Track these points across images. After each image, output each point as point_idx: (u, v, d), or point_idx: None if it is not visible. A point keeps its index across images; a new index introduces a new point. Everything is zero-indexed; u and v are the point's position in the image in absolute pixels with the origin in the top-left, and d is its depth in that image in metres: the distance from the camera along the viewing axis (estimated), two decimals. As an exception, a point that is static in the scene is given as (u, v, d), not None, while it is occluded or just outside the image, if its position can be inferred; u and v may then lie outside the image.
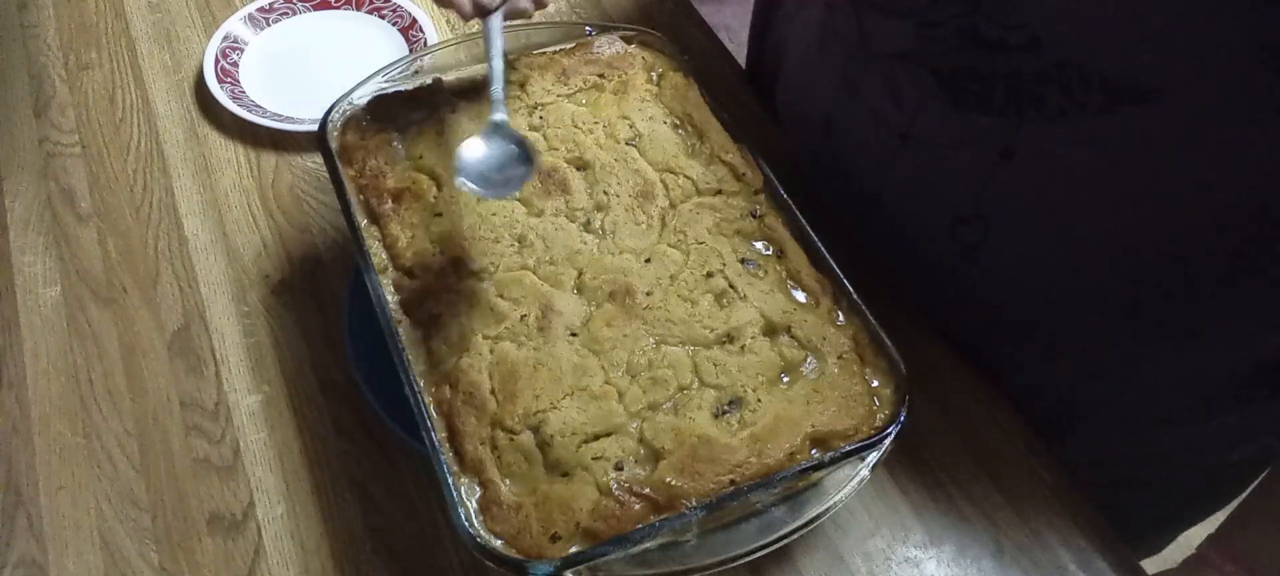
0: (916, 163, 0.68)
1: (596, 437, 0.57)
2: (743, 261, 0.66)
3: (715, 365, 0.60)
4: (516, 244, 0.66)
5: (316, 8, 1.02)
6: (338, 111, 0.73)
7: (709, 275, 0.65)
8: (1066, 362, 0.73)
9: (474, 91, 0.76)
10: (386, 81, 0.76)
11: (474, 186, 0.63)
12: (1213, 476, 0.82)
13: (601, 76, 0.77)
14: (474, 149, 0.65)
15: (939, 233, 0.69)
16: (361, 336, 0.70)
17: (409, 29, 0.99)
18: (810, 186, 0.70)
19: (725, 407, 0.59)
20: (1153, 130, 0.56)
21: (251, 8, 1.00)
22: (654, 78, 0.78)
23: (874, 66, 0.68)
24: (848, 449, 0.56)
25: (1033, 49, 0.58)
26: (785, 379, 0.61)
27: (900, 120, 0.67)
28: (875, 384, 0.60)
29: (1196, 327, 0.67)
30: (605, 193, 0.69)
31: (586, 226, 0.68)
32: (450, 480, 0.55)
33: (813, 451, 0.57)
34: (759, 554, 0.55)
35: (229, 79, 0.93)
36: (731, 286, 0.64)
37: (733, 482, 0.55)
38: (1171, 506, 0.89)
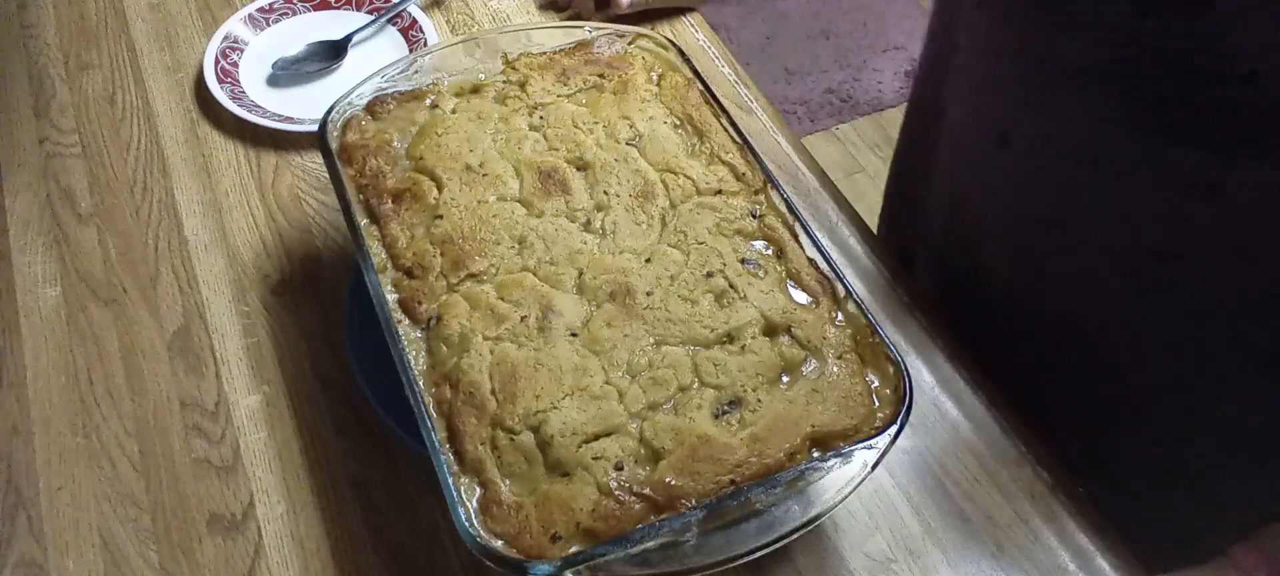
0: (1102, 190, 0.65)
1: (596, 437, 0.57)
2: (743, 261, 0.66)
3: (715, 365, 0.60)
4: (517, 245, 0.66)
5: (316, 8, 1.02)
6: (338, 111, 0.73)
7: (709, 275, 0.65)
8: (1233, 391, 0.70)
9: (474, 91, 0.76)
10: (386, 81, 0.76)
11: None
12: None
13: (601, 76, 0.77)
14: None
15: (1127, 265, 0.66)
16: (361, 336, 0.70)
17: (409, 29, 0.99)
18: (974, 205, 0.66)
19: (725, 407, 0.59)
20: None
21: (251, 8, 1.00)
22: (654, 78, 0.78)
23: (1055, 83, 0.65)
24: (847, 449, 0.56)
25: (1250, 82, 0.54)
26: (785, 379, 0.60)
27: (1076, 144, 0.64)
28: (875, 384, 0.60)
29: None
30: (605, 193, 0.69)
31: (587, 226, 0.68)
32: (450, 480, 0.55)
33: (813, 451, 0.57)
34: (759, 554, 0.55)
35: (229, 79, 0.93)
36: (731, 286, 0.64)
37: (733, 482, 0.55)
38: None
